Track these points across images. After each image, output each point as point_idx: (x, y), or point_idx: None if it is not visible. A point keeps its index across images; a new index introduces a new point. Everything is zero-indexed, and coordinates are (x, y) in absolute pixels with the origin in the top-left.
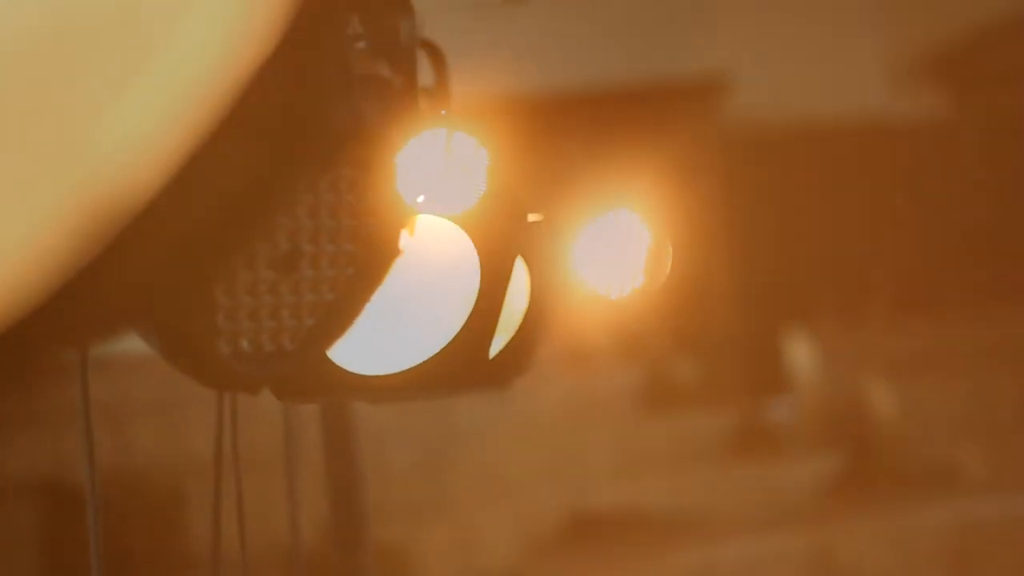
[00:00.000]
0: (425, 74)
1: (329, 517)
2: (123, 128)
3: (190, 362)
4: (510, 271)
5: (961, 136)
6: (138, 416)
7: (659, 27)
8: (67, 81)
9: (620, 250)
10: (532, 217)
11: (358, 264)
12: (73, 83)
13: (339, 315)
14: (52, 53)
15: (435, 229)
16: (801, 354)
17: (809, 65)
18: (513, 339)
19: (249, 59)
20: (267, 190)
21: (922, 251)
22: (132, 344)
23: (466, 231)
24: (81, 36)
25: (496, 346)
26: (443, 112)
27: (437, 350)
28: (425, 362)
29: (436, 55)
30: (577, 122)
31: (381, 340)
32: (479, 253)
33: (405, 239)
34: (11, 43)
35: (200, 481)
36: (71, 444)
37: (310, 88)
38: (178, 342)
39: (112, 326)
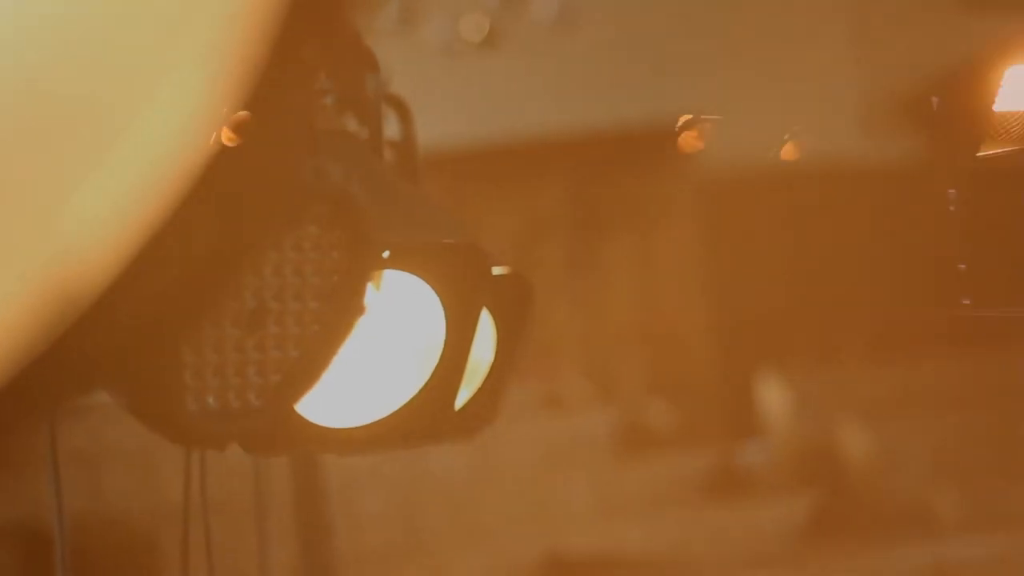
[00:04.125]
0: (391, 127)
1: (299, 564)
2: (86, 211)
3: (157, 419)
4: (475, 325)
5: (934, 178)
6: (111, 461)
7: (630, 70)
8: (31, 166)
9: None
10: (497, 270)
11: (323, 322)
12: (37, 168)
13: (305, 372)
14: (17, 140)
15: (400, 283)
16: (775, 396)
17: (782, 107)
18: (479, 391)
19: (210, 140)
20: (233, 249)
21: (895, 293)
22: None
23: (431, 285)
24: (46, 123)
25: (462, 397)
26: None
27: (403, 402)
28: (392, 414)
29: (402, 109)
30: (547, 170)
31: (348, 393)
32: (444, 307)
33: (371, 295)
34: None
35: (172, 527)
36: (44, 489)
37: (274, 146)
38: (145, 400)
39: (80, 386)
